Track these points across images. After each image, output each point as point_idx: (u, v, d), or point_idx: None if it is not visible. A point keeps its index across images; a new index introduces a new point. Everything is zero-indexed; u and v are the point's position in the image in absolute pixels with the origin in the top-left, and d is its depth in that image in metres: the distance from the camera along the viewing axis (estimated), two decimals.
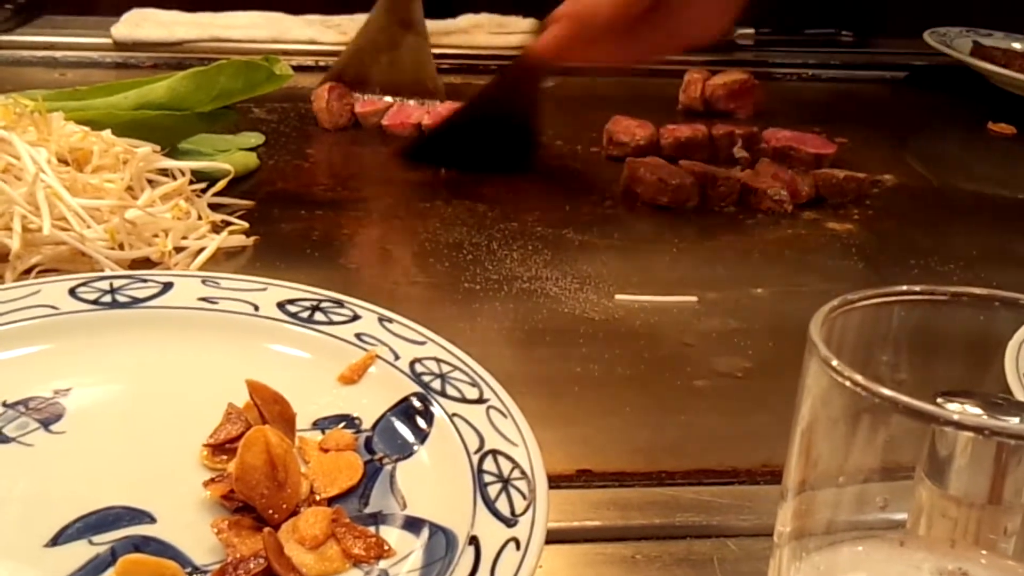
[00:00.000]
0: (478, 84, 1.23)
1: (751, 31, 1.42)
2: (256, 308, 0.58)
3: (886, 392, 0.31)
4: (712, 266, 0.80)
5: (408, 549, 0.45)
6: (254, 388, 0.50)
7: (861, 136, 1.11)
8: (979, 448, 0.35)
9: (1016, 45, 1.37)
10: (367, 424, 0.52)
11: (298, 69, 0.94)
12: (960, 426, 0.31)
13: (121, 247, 0.71)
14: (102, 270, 0.67)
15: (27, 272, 0.67)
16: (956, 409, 0.34)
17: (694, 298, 0.74)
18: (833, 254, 0.84)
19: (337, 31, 1.29)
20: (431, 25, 1.32)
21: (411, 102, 1.06)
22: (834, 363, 0.32)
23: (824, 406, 0.34)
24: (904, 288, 0.37)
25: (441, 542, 0.44)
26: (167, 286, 0.59)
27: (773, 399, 0.61)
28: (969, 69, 1.30)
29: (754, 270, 0.80)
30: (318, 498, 0.47)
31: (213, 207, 0.80)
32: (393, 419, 0.52)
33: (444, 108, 1.03)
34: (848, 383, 0.32)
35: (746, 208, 0.91)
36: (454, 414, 0.51)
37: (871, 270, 0.82)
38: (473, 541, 0.43)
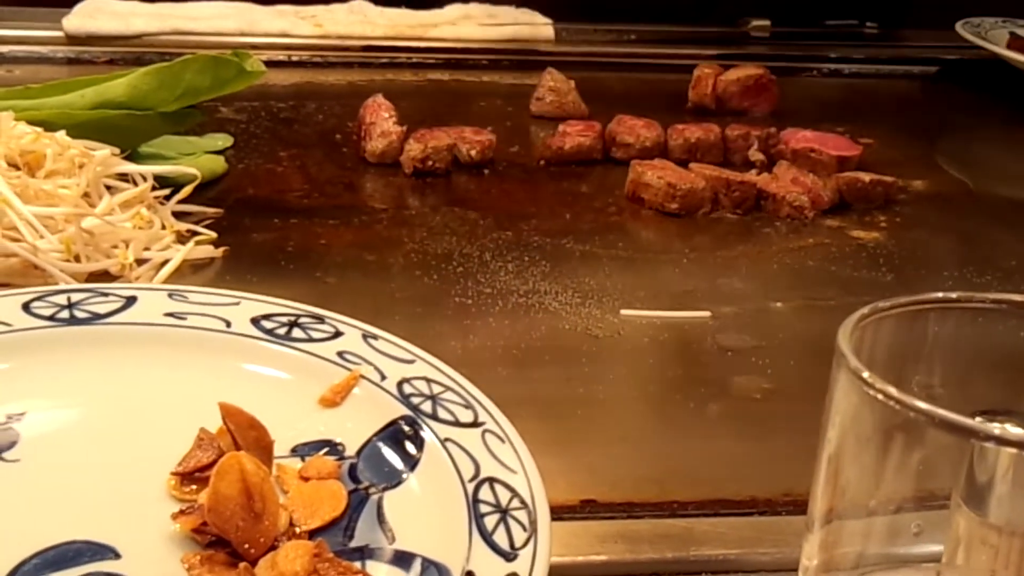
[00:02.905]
0: (468, 81, 1.24)
1: (767, 22, 1.44)
2: (228, 324, 0.59)
3: (922, 405, 0.32)
4: (726, 278, 0.81)
5: None
6: (228, 412, 0.51)
7: (888, 137, 1.12)
8: (1022, 470, 0.35)
9: None
10: (351, 450, 0.52)
11: (269, 65, 0.95)
12: (1002, 441, 0.32)
13: (77, 259, 0.71)
14: (56, 284, 0.68)
15: None
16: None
17: (707, 313, 0.75)
18: (858, 265, 0.85)
19: (312, 23, 1.30)
20: (414, 16, 1.34)
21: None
22: (865, 375, 0.33)
23: (854, 424, 0.35)
24: (940, 295, 0.37)
25: None
26: (130, 300, 0.60)
27: (795, 422, 0.62)
28: (1006, 63, 1.31)
29: (772, 282, 0.81)
30: (298, 531, 0.47)
31: (178, 215, 0.80)
32: (380, 444, 0.52)
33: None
34: (880, 396, 0.32)
35: (763, 215, 0.92)
36: (446, 439, 0.51)
37: (900, 282, 0.82)
38: None
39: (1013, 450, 0.33)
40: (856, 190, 0.95)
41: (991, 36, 1.36)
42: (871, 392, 0.33)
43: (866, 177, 0.95)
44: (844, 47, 1.41)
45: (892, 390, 0.32)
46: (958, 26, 1.36)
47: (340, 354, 0.57)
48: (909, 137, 1.15)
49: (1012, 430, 0.32)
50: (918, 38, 1.46)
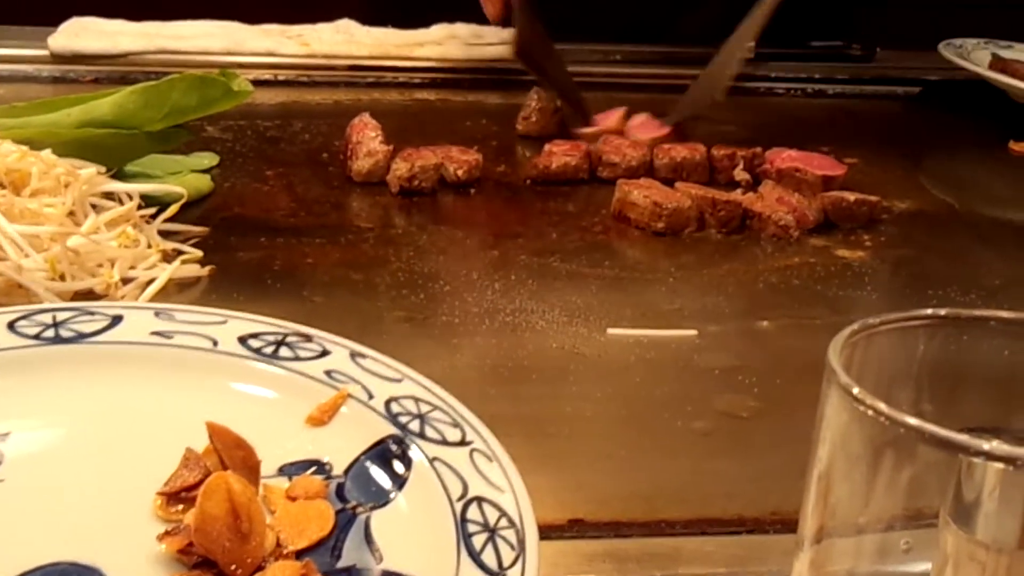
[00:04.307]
0: (454, 101, 1.25)
1: (751, 43, 1.44)
2: (215, 343, 0.58)
3: (912, 421, 0.32)
4: (712, 297, 0.81)
5: None
6: (214, 431, 0.50)
7: (872, 157, 1.13)
8: (1009, 487, 0.35)
9: None
10: (338, 469, 0.52)
11: (255, 84, 0.95)
12: (991, 456, 0.32)
13: (63, 278, 0.71)
14: (41, 303, 0.67)
15: None
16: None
17: (694, 332, 0.75)
18: (844, 284, 0.85)
19: (298, 42, 1.30)
20: (400, 36, 1.34)
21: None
22: (855, 391, 0.33)
23: (844, 442, 0.35)
24: (929, 312, 0.37)
25: None
26: (116, 319, 0.60)
27: (782, 441, 0.62)
28: (988, 84, 1.32)
29: (758, 301, 0.81)
30: (285, 551, 0.47)
31: (164, 234, 0.80)
32: (367, 464, 0.52)
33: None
34: (871, 412, 0.32)
35: (748, 234, 0.92)
36: (434, 458, 0.51)
37: (885, 301, 0.83)
38: None
39: (1001, 466, 0.33)
40: (841, 209, 0.95)
41: (973, 57, 1.36)
42: (861, 408, 0.33)
43: (851, 196, 0.96)
44: (828, 67, 1.42)
45: (882, 406, 0.32)
46: (940, 47, 1.37)
47: (328, 373, 0.57)
48: (893, 157, 1.15)
49: (1001, 445, 0.32)
50: (901, 59, 1.47)
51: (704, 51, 1.42)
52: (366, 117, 1.01)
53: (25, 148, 0.78)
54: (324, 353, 0.58)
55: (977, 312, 0.38)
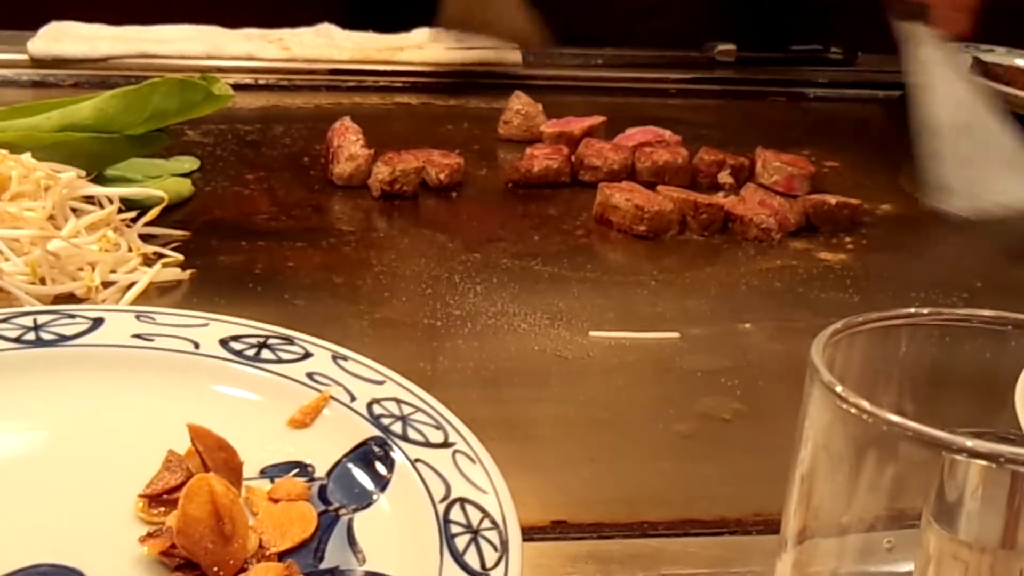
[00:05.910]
0: (435, 104, 1.25)
1: (732, 47, 1.44)
2: (196, 345, 0.58)
3: (894, 419, 0.32)
4: (695, 300, 0.81)
5: None
6: (196, 433, 0.50)
7: (853, 160, 1.13)
8: (991, 486, 0.36)
9: (1019, 61, 1.40)
10: (321, 471, 0.52)
11: (236, 88, 0.95)
12: (973, 453, 0.32)
13: (43, 281, 0.71)
14: (22, 307, 0.67)
15: None
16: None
17: (676, 334, 0.75)
18: (826, 286, 0.85)
19: (279, 46, 1.30)
20: (381, 40, 1.34)
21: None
22: (838, 389, 0.33)
23: (827, 441, 0.35)
24: (911, 311, 0.38)
25: None
26: (97, 322, 0.59)
27: (764, 443, 0.62)
28: None
29: (740, 304, 0.81)
30: (268, 552, 0.47)
31: (144, 238, 0.80)
32: (350, 465, 0.52)
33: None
34: (854, 410, 0.33)
35: (730, 237, 0.92)
36: (417, 459, 0.51)
37: (867, 303, 0.83)
38: None
39: (983, 464, 0.33)
40: (822, 213, 0.95)
41: None
42: (845, 407, 0.33)
43: (832, 200, 0.96)
44: (809, 71, 1.43)
45: (865, 404, 0.32)
46: None
47: (310, 375, 0.57)
48: (874, 160, 1.16)
49: (983, 443, 0.32)
50: (882, 63, 1.47)
51: (685, 55, 1.43)
52: (347, 121, 1.01)
53: (4, 152, 0.77)
54: (306, 355, 0.58)
55: (959, 311, 0.38)
